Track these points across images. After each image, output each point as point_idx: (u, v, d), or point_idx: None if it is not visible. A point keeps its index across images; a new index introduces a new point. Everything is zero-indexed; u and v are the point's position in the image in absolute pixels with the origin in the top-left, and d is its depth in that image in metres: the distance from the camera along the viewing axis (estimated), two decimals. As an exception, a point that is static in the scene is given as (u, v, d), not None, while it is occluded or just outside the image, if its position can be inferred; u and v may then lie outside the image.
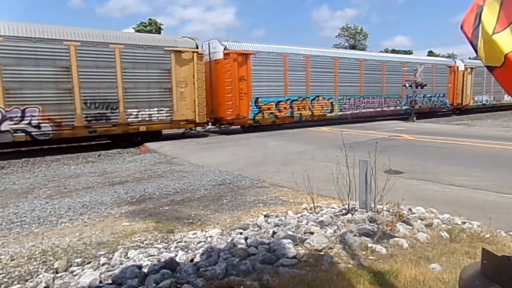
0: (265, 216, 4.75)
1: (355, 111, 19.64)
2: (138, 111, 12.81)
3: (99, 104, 12.02)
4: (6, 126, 10.53)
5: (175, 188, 7.02)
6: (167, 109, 13.42)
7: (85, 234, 4.66)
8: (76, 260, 3.81)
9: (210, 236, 4.21)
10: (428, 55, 54.18)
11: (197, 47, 14.01)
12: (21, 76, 10.64)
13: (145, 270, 3.26)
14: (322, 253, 3.46)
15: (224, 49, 14.73)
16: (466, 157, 9.47)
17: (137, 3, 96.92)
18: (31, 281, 3.31)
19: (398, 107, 22.22)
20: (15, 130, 10.73)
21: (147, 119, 13.03)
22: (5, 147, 11.20)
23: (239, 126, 16.11)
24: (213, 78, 14.89)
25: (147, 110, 12.99)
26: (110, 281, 3.15)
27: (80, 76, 11.51)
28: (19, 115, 10.76)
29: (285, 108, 16.59)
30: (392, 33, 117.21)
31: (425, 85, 21.80)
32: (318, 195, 5.45)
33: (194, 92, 13.84)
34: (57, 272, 3.55)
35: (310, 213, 4.70)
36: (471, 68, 26.04)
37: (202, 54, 14.10)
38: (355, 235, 3.72)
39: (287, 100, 16.65)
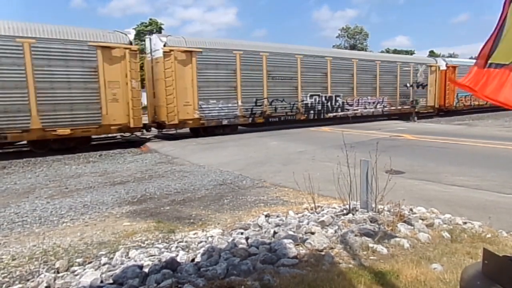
0: (266, 216, 4.75)
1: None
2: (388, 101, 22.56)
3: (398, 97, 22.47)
4: (378, 107, 21.03)
5: (176, 188, 7.03)
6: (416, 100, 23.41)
7: (86, 234, 4.67)
8: (77, 260, 3.81)
9: (211, 236, 4.21)
10: (429, 55, 54.21)
11: (436, 62, 24.79)
12: (379, 82, 21.10)
13: (146, 270, 3.27)
14: (323, 253, 3.46)
15: (446, 64, 24.89)
16: (467, 157, 9.46)
17: (139, 3, 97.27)
18: (32, 281, 3.32)
19: None
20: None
21: (396, 107, 22.60)
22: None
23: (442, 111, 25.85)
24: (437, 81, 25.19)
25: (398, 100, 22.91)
26: (111, 281, 3.15)
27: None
28: (381, 100, 21.31)
29: (467, 100, 26.68)
30: (393, 33, 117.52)
31: (426, 85, 21.86)
32: (319, 195, 5.45)
33: (435, 90, 24.28)
34: (58, 272, 3.55)
35: (311, 213, 4.69)
36: None
37: (439, 66, 24.53)
38: (356, 235, 3.71)
39: (469, 95, 25.20)
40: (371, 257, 3.36)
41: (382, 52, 52.31)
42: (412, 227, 4.00)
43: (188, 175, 8.16)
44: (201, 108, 14.39)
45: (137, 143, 13.41)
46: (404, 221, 4.11)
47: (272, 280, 2.87)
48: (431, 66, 23.74)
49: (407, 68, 22.37)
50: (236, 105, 15.36)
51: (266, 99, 16.25)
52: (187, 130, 15.48)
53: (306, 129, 16.80)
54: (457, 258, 3.27)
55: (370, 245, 3.53)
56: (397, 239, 3.68)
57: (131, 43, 12.65)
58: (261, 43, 17.03)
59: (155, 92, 14.20)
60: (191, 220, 5.14)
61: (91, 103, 11.91)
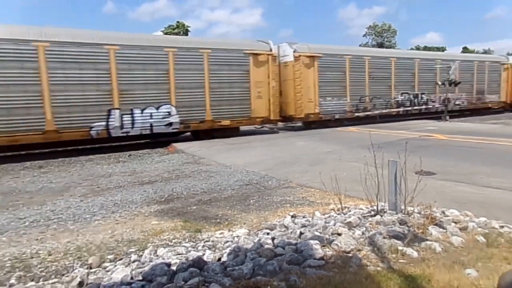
0: (292, 216, 4.73)
1: None
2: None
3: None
4: (457, 103, 22.99)
5: (203, 188, 7.12)
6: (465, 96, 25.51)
7: (116, 231, 4.82)
8: (109, 257, 3.95)
9: (237, 236, 4.24)
10: (462, 52, 52.13)
11: (508, 60, 26.07)
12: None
13: (173, 268, 3.33)
14: (350, 254, 3.40)
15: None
16: (503, 157, 9.01)
17: (167, 7, 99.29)
18: (67, 276, 3.47)
19: None
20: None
21: (471, 103, 24.45)
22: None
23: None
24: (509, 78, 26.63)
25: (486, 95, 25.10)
26: (140, 278, 3.23)
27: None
28: (460, 97, 22.98)
29: None
30: (423, 30, 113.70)
31: (459, 82, 21.04)
32: (345, 196, 5.36)
33: (507, 86, 25.69)
34: (91, 268, 3.69)
35: (338, 214, 4.63)
36: None
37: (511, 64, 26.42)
38: (384, 237, 3.62)
39: None
40: (401, 260, 3.26)
41: (411, 49, 51.00)
42: (444, 230, 3.86)
43: (214, 175, 8.25)
44: (321, 104, 17.38)
45: (164, 143, 13.71)
46: (436, 224, 3.96)
47: (298, 281, 2.85)
48: (503, 64, 25.68)
49: (482, 66, 24.18)
50: (345, 102, 18.28)
51: (367, 97, 19.05)
52: (293, 124, 18.47)
53: (332, 129, 16.62)
54: (493, 264, 3.12)
55: (400, 248, 3.44)
56: (428, 242, 3.56)
57: (271, 50, 15.58)
58: (364, 48, 21.22)
59: (282, 91, 16.79)
60: (218, 220, 5.19)
61: (244, 99, 15.05)
